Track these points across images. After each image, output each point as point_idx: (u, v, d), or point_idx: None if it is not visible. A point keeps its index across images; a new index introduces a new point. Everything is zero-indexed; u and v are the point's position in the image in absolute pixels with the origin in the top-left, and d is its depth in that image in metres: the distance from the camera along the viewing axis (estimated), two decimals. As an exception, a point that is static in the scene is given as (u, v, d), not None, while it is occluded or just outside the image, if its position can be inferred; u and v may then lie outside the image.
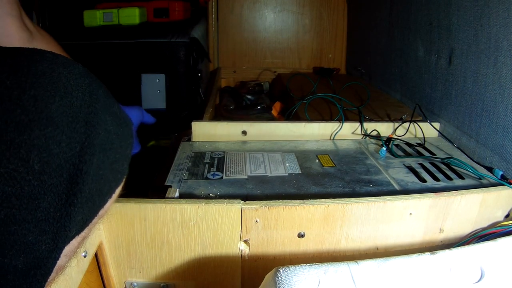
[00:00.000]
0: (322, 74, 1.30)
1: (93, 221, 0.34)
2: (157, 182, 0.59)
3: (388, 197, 0.48)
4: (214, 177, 0.58)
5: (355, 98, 0.98)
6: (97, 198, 0.32)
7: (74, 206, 0.29)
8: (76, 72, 0.32)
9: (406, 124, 0.75)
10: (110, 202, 0.35)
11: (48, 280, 0.30)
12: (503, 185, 0.53)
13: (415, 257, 0.38)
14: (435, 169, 0.62)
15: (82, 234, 0.33)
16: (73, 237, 0.31)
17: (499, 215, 0.52)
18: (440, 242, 0.52)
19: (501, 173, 0.57)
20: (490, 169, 0.61)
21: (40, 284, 0.28)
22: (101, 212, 0.34)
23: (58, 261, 0.30)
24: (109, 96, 0.36)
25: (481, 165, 0.63)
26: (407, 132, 0.74)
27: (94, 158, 0.31)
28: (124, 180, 0.37)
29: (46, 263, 0.28)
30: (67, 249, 0.31)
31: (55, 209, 0.28)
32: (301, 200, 0.46)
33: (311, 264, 0.36)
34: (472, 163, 0.64)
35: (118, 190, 0.36)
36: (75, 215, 0.29)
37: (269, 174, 0.60)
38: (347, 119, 0.76)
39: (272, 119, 1.03)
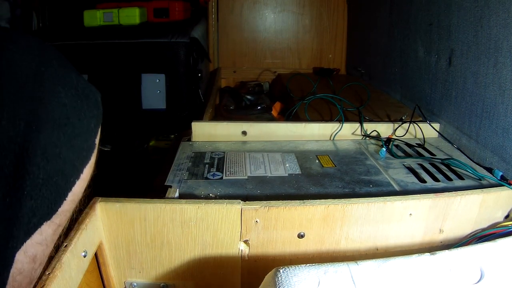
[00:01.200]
0: (322, 74, 1.30)
1: (64, 207, 0.32)
2: (157, 182, 0.59)
3: (388, 198, 0.48)
4: (214, 177, 0.58)
5: (355, 99, 0.98)
6: (60, 180, 0.31)
7: (23, 190, 0.27)
8: (24, 45, 0.30)
9: (406, 125, 0.75)
10: (80, 184, 0.33)
11: (31, 272, 0.28)
12: (503, 185, 0.53)
13: (415, 258, 0.38)
14: (435, 170, 0.62)
15: (56, 221, 0.31)
16: (36, 224, 0.29)
17: (499, 216, 0.52)
18: (440, 242, 0.52)
19: (500, 173, 0.57)
20: (489, 170, 0.61)
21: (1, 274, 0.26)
22: (71, 196, 0.32)
23: (30, 250, 0.28)
24: (65, 66, 0.34)
25: (481, 165, 0.63)
26: (407, 133, 0.74)
27: (44, 135, 0.29)
28: (93, 157, 0.35)
29: (3, 252, 0.26)
30: (38, 237, 0.29)
31: (3, 194, 0.26)
32: (301, 201, 0.47)
33: (311, 264, 0.36)
34: (472, 163, 0.64)
35: (87, 170, 0.34)
36: (26, 199, 0.27)
37: (269, 175, 0.60)
38: (347, 119, 0.76)
39: (272, 119, 1.03)
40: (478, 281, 0.36)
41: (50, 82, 0.31)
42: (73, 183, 0.32)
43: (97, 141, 0.37)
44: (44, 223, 0.30)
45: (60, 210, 0.31)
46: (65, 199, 0.31)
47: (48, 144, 0.29)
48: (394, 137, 0.73)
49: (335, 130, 0.74)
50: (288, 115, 0.88)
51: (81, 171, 0.33)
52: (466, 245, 0.44)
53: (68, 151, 0.31)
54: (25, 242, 0.28)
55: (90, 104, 0.35)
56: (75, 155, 0.32)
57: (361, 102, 0.89)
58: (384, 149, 0.67)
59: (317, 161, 0.65)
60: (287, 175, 0.60)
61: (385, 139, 0.72)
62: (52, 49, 0.34)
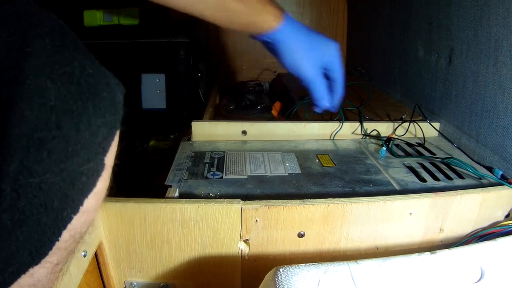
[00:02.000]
0: (322, 74, 1.30)
1: (60, 245, 0.25)
2: (157, 182, 0.59)
3: (388, 197, 0.48)
4: (214, 177, 0.58)
5: (355, 98, 0.98)
6: (44, 217, 0.24)
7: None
8: (4, 11, 0.23)
9: (406, 124, 0.75)
10: (80, 218, 0.26)
11: None
12: (503, 184, 0.53)
13: (415, 257, 0.38)
14: (435, 169, 0.62)
15: (50, 260, 0.26)
16: (16, 273, 0.23)
17: (499, 215, 0.52)
18: (440, 241, 0.52)
19: (501, 172, 0.57)
20: (490, 169, 0.61)
21: None
22: (66, 233, 0.25)
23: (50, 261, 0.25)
24: (64, 46, 0.25)
25: (481, 165, 0.63)
26: (407, 132, 0.74)
27: (15, 157, 0.21)
28: (103, 182, 0.27)
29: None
30: (29, 280, 0.25)
31: None
32: (301, 200, 0.46)
33: (311, 263, 0.36)
34: (472, 163, 0.64)
35: (92, 200, 0.27)
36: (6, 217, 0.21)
37: (269, 174, 0.60)
38: (347, 119, 0.76)
39: (272, 119, 1.03)
40: (478, 280, 0.36)
41: (32, 73, 0.22)
42: (68, 219, 0.25)
43: (108, 159, 0.28)
44: (30, 269, 0.24)
45: (52, 251, 0.25)
46: (58, 239, 0.25)
47: (21, 172, 0.21)
48: (394, 136, 0.73)
49: (335, 130, 0.74)
50: (288, 115, 0.88)
51: (80, 203, 0.26)
52: (466, 244, 0.44)
53: (55, 177, 0.23)
54: None
55: (101, 105, 0.26)
56: (68, 182, 0.24)
57: (361, 102, 0.89)
58: (384, 148, 0.67)
59: (317, 160, 0.65)
60: (287, 174, 0.60)
61: (385, 139, 0.71)
62: (47, 18, 0.25)
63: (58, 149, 0.23)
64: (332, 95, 0.59)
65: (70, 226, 0.26)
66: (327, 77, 0.58)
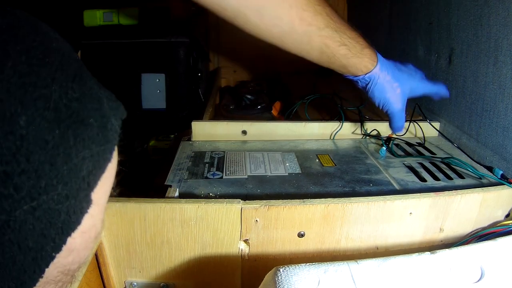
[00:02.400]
0: (322, 74, 1.30)
1: (45, 280, 0.24)
2: (157, 182, 0.59)
3: (388, 197, 0.48)
4: (214, 177, 0.58)
5: (355, 98, 0.98)
6: (12, 265, 0.21)
7: None
8: None
9: (406, 124, 0.75)
10: (65, 255, 0.24)
11: None
12: (503, 184, 0.53)
13: (415, 257, 0.38)
14: (435, 169, 0.62)
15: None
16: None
17: (499, 215, 0.52)
18: (440, 241, 0.52)
19: (501, 172, 0.57)
20: (490, 169, 0.61)
21: None
22: (51, 272, 0.24)
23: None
24: (42, 66, 0.21)
25: (481, 164, 0.63)
26: (407, 132, 0.74)
27: None
28: (90, 218, 0.25)
29: None
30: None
31: None
32: (301, 200, 0.46)
33: (311, 263, 0.36)
34: (472, 162, 0.64)
35: (78, 238, 0.25)
36: None
37: (269, 174, 0.59)
38: (347, 118, 0.76)
39: (272, 119, 1.03)
40: (479, 280, 0.36)
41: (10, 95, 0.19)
42: (49, 258, 0.23)
43: (97, 195, 0.25)
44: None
45: (38, 286, 0.24)
46: (41, 276, 0.23)
47: None
48: (394, 136, 0.73)
49: (335, 129, 0.74)
50: (288, 115, 0.88)
51: (62, 242, 0.24)
52: (467, 244, 0.44)
53: (26, 215, 0.21)
54: None
55: (85, 134, 0.23)
56: (43, 221, 0.22)
57: (361, 101, 0.89)
58: (384, 148, 0.67)
59: (317, 160, 0.65)
60: (287, 174, 0.60)
61: (385, 138, 0.71)
62: (29, 33, 0.22)
63: (28, 185, 0.21)
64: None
65: (56, 264, 0.24)
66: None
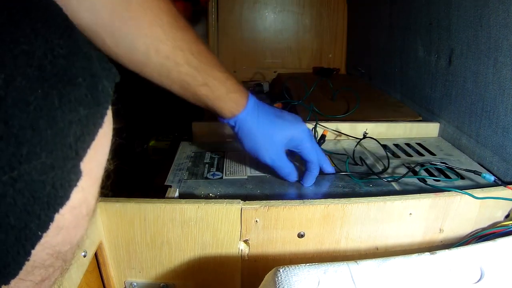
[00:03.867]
0: (322, 74, 1.30)
1: (35, 262, 0.22)
2: (157, 182, 0.59)
3: (388, 197, 0.48)
4: (214, 177, 0.58)
5: (351, 100, 0.98)
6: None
7: None
8: None
9: (406, 124, 0.75)
10: (54, 233, 0.22)
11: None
12: (503, 185, 0.53)
13: (414, 257, 0.38)
14: (435, 169, 0.62)
15: (29, 278, 0.22)
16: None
17: (499, 215, 0.52)
18: (440, 242, 0.52)
19: (493, 178, 0.55)
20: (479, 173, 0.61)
21: None
22: (40, 251, 0.22)
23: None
24: (24, 20, 0.19)
25: (481, 165, 0.63)
26: (407, 132, 0.74)
27: None
28: (80, 193, 0.23)
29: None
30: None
31: None
32: (301, 200, 0.47)
33: (311, 264, 0.36)
34: (472, 162, 0.64)
35: (68, 213, 0.23)
36: None
37: (269, 174, 0.59)
38: (347, 119, 0.76)
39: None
40: (478, 281, 0.36)
41: None
42: (34, 237, 0.21)
43: (87, 165, 0.23)
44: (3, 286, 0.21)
45: (28, 270, 0.22)
46: (27, 259, 0.21)
47: None
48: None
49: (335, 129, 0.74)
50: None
51: (48, 219, 0.21)
52: (466, 244, 0.44)
53: (5, 188, 0.19)
54: None
55: (71, 95, 0.21)
56: (26, 195, 0.20)
57: (361, 102, 0.89)
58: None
59: (317, 160, 0.65)
60: (287, 174, 0.59)
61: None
62: None
63: (6, 153, 0.18)
64: (308, 173, 0.56)
65: (44, 245, 0.22)
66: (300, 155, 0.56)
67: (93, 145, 0.23)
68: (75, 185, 0.22)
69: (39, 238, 0.21)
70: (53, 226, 0.22)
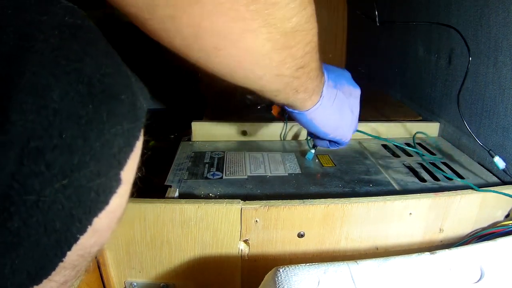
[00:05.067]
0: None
1: (67, 264, 0.23)
2: (157, 182, 0.59)
3: (388, 197, 0.48)
4: (214, 177, 0.58)
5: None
6: (42, 240, 0.21)
7: None
8: None
9: (406, 124, 0.75)
10: (89, 237, 0.23)
11: None
12: (503, 185, 0.53)
13: (414, 257, 0.38)
14: (435, 169, 0.62)
15: (55, 279, 0.23)
16: None
17: (499, 215, 0.52)
18: (440, 242, 0.52)
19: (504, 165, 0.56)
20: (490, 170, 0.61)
21: None
22: (74, 253, 0.23)
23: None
24: (74, 40, 0.21)
25: (481, 165, 0.63)
26: (407, 132, 0.74)
27: (2, 175, 0.18)
28: (117, 198, 0.24)
29: None
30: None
31: None
32: (301, 200, 0.46)
33: (311, 264, 0.36)
34: (472, 162, 0.64)
35: (104, 218, 0.24)
36: None
37: (269, 174, 0.60)
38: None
39: (272, 119, 1.03)
40: (478, 280, 0.36)
41: (32, 68, 0.19)
42: (73, 239, 0.22)
43: (126, 174, 0.24)
44: None
45: (57, 271, 0.23)
46: (62, 260, 0.22)
47: (12, 187, 0.19)
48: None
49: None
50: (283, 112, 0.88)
51: (88, 222, 0.23)
52: (466, 244, 0.44)
53: (57, 194, 0.20)
54: None
55: (117, 111, 0.23)
56: (73, 200, 0.21)
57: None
58: (312, 151, 0.64)
59: (317, 160, 0.65)
60: (287, 174, 0.60)
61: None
62: (56, 8, 0.22)
63: (60, 161, 0.20)
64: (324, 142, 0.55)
65: (78, 247, 0.23)
66: None
67: (131, 155, 0.25)
68: (115, 191, 0.24)
69: (76, 240, 0.22)
70: (90, 229, 0.23)
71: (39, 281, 0.22)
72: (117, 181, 0.24)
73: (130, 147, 0.24)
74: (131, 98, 0.24)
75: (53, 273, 0.23)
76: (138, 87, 0.25)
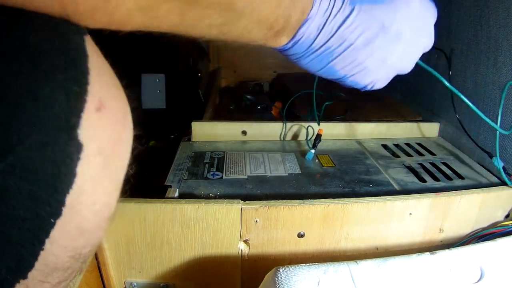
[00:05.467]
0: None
1: (47, 260, 0.21)
2: (157, 182, 0.59)
3: (388, 197, 0.48)
4: (214, 177, 0.58)
5: (354, 98, 0.98)
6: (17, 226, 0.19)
7: None
8: None
9: (406, 124, 0.75)
10: (61, 225, 0.21)
11: None
12: (503, 185, 0.53)
13: (415, 257, 0.38)
14: (435, 169, 0.62)
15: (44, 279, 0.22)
16: None
17: (499, 215, 0.52)
18: (440, 242, 0.52)
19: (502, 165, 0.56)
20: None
21: None
22: (49, 244, 0.21)
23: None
24: None
25: (481, 165, 0.63)
26: (407, 132, 0.74)
27: None
28: (83, 162, 0.21)
29: None
30: None
31: None
32: (301, 200, 0.46)
33: (311, 264, 0.36)
34: (472, 162, 0.64)
35: (75, 197, 0.21)
36: None
37: (269, 174, 0.59)
38: (347, 119, 0.76)
39: (272, 119, 1.03)
40: (478, 281, 0.36)
41: None
42: (48, 226, 0.20)
43: (86, 134, 0.21)
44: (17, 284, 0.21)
45: (48, 271, 0.22)
46: (42, 248, 0.20)
47: None
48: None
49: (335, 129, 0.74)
50: (283, 111, 0.88)
51: (59, 204, 0.20)
52: (466, 244, 0.44)
53: (8, 182, 0.18)
54: None
55: (44, 57, 0.19)
56: (29, 182, 0.18)
57: (354, 104, 0.89)
58: (312, 151, 0.64)
59: (317, 160, 0.65)
60: (287, 174, 0.60)
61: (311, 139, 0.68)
62: None
63: None
64: None
65: (68, 248, 0.22)
66: None
67: (87, 111, 0.21)
68: (78, 158, 0.20)
69: (52, 225, 0.20)
70: (75, 227, 0.21)
71: (22, 275, 0.20)
72: (75, 146, 0.20)
73: (76, 101, 0.20)
74: (58, 43, 0.20)
75: (36, 269, 0.21)
76: (69, 29, 0.21)
